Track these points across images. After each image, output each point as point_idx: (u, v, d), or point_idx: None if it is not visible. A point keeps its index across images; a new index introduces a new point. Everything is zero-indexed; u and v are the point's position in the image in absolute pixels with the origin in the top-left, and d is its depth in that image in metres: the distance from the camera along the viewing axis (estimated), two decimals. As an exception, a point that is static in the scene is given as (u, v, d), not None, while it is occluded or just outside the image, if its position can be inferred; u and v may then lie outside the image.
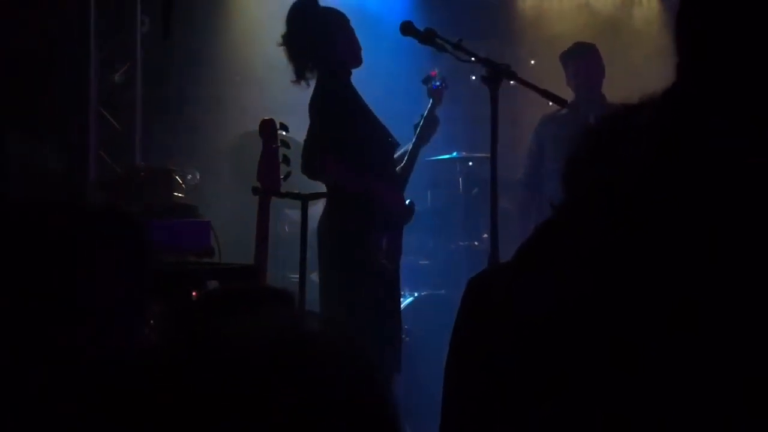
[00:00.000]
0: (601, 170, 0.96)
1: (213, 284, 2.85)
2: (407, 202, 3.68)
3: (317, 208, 3.64)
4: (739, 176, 0.92)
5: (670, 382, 0.86)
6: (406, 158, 3.78)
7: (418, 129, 3.85)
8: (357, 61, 3.56)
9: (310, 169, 3.38)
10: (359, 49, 3.57)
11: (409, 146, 3.81)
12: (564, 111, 4.67)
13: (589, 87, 4.60)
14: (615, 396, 0.87)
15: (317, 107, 3.47)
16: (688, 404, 0.86)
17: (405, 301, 4.44)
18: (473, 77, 3.14)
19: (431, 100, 4.00)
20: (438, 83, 4.02)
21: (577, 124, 4.59)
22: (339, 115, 3.44)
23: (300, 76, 3.51)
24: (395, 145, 3.68)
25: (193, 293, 2.78)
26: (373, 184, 3.50)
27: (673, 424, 0.86)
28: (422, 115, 3.92)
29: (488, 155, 3.06)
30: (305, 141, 3.41)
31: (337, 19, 3.57)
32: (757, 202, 0.92)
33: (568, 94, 4.67)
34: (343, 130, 3.44)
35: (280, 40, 3.52)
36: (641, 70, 5.55)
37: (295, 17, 3.54)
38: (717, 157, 0.93)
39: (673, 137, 0.96)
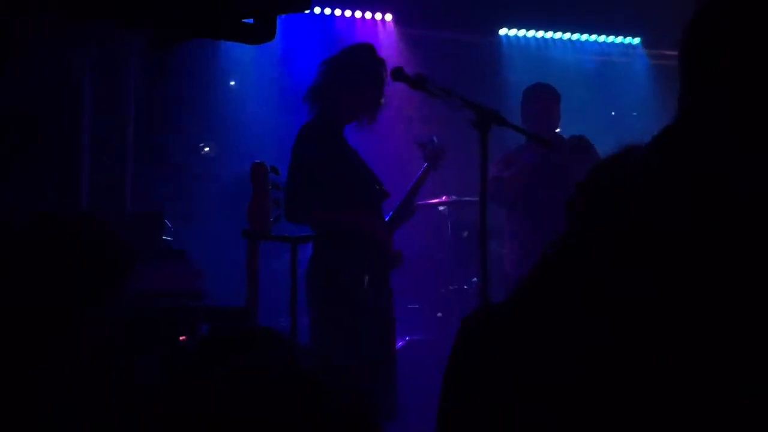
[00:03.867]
0: (613, 205, 0.94)
1: (204, 327, 2.84)
2: (395, 250, 3.66)
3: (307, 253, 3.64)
4: None
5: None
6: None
7: (394, 214, 3.81)
8: (350, 122, 3.57)
9: (293, 215, 3.38)
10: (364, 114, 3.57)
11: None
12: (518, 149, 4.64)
13: (543, 126, 4.55)
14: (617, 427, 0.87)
15: (301, 147, 3.49)
16: None
17: (395, 345, 4.41)
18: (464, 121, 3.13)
19: (426, 164, 3.98)
20: (433, 145, 3.95)
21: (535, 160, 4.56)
22: (323, 158, 3.45)
23: (315, 90, 3.55)
24: (384, 195, 3.66)
25: (182, 338, 2.76)
26: (358, 215, 3.50)
27: None
28: (413, 183, 3.91)
29: (477, 199, 3.07)
30: (286, 187, 3.40)
31: (377, 82, 3.54)
32: None
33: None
34: (326, 174, 3.44)
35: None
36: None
37: (352, 53, 3.57)
38: (748, 203, 0.90)
39: (691, 174, 0.92)
